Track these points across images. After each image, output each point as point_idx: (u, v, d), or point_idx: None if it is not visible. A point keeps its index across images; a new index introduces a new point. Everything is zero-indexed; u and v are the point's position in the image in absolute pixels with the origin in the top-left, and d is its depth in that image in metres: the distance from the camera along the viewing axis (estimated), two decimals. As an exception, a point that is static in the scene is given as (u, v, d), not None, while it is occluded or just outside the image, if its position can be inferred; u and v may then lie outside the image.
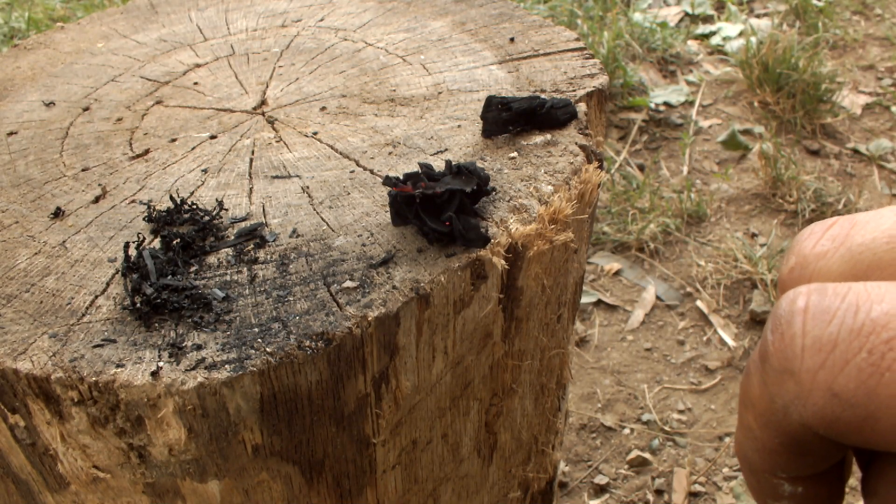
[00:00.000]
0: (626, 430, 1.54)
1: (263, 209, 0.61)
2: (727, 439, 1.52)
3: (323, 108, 0.75)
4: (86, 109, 0.78)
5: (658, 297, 1.84)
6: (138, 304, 0.50)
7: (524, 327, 0.63)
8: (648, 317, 1.80)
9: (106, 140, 0.73)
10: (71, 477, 0.53)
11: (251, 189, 0.64)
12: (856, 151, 2.23)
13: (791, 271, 0.29)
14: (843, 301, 0.24)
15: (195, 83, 0.82)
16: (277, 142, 0.70)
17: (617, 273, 1.91)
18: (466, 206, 0.55)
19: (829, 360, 0.24)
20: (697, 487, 1.43)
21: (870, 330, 0.23)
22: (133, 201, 0.63)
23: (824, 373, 0.24)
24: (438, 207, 0.54)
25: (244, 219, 0.60)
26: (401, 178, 0.56)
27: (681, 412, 1.58)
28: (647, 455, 1.48)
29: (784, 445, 0.27)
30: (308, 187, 0.63)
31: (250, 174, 0.66)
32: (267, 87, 0.80)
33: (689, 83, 2.53)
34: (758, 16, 2.88)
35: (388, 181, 0.56)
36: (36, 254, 0.58)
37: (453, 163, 0.57)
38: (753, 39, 2.49)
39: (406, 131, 0.70)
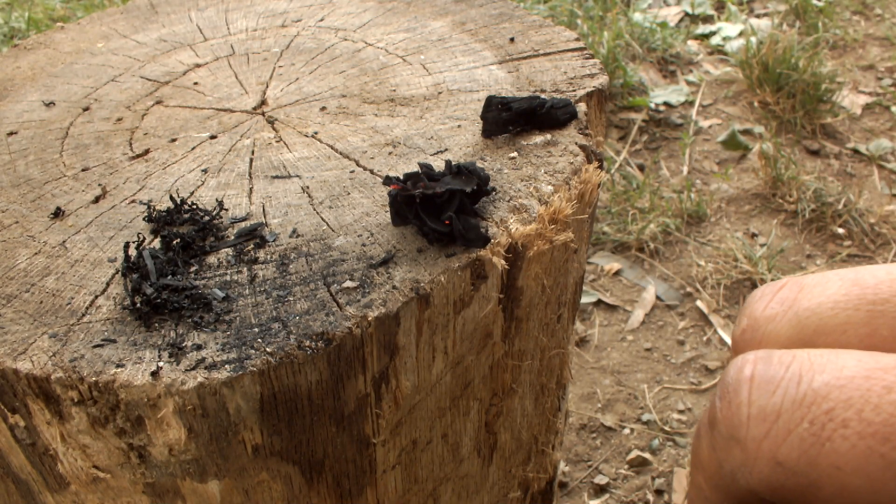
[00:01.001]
0: (626, 430, 1.54)
1: (263, 209, 0.61)
2: (727, 439, 1.52)
3: (323, 108, 0.75)
4: (86, 109, 0.78)
5: (658, 297, 1.84)
6: (138, 304, 0.50)
7: (524, 327, 0.63)
8: (648, 317, 1.80)
9: (106, 140, 0.73)
10: (71, 477, 0.53)
11: (251, 189, 0.64)
12: (856, 151, 2.23)
13: (743, 333, 0.30)
14: (787, 371, 0.25)
15: (195, 83, 0.82)
16: (277, 142, 0.70)
17: (617, 273, 1.91)
18: (466, 206, 0.55)
19: (773, 430, 0.25)
20: (697, 487, 1.43)
21: (811, 400, 0.24)
22: (133, 201, 0.63)
23: (769, 442, 0.25)
24: (438, 207, 0.54)
25: (244, 219, 0.60)
26: (401, 177, 0.56)
27: (681, 412, 1.58)
28: (647, 455, 1.49)
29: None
30: (308, 187, 0.63)
31: (250, 174, 0.66)
32: (267, 87, 0.80)
33: (689, 83, 2.53)
34: (758, 16, 2.88)
35: (388, 181, 0.56)
36: (36, 254, 0.58)
37: (453, 163, 0.57)
38: (753, 39, 2.49)
39: (406, 131, 0.70)
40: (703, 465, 0.28)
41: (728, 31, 2.75)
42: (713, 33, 2.76)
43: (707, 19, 2.89)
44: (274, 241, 0.57)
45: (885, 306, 0.27)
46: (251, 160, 0.68)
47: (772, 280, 1.77)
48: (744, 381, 0.26)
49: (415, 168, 0.61)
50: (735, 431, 0.26)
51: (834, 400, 0.24)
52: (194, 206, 0.60)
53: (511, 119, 0.66)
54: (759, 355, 0.26)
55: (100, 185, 0.66)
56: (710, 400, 0.28)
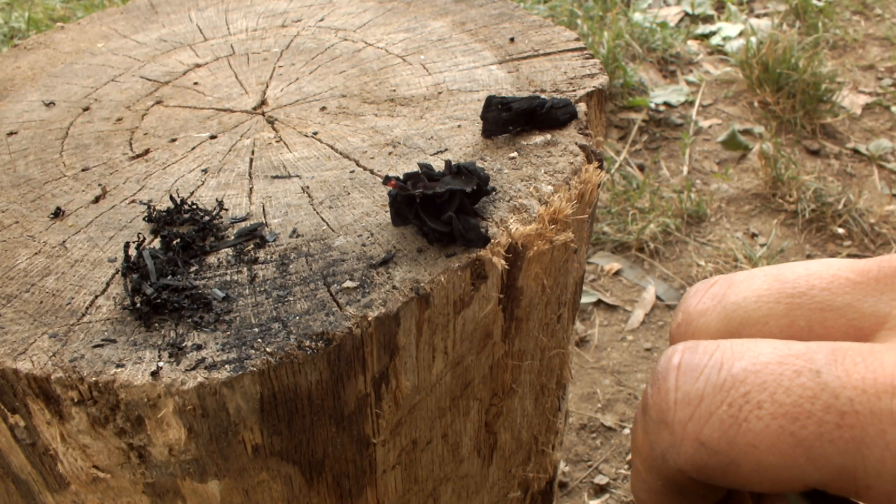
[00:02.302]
0: (626, 430, 1.54)
1: (263, 209, 0.61)
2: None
3: (323, 108, 0.75)
4: (86, 109, 0.78)
5: (658, 297, 1.84)
6: (138, 304, 0.50)
7: (524, 327, 0.63)
8: (648, 317, 1.80)
9: (106, 140, 0.73)
10: (71, 477, 0.53)
11: (251, 189, 0.64)
12: (856, 151, 2.23)
13: (678, 326, 0.33)
14: (710, 358, 0.27)
15: (195, 83, 0.82)
16: (277, 142, 0.70)
17: (617, 273, 1.91)
18: (466, 206, 0.55)
19: (696, 413, 0.27)
20: (697, 487, 1.43)
21: (730, 385, 0.26)
22: (133, 201, 0.63)
23: (692, 424, 0.27)
24: (438, 207, 0.54)
25: (244, 219, 0.60)
26: (400, 177, 0.56)
27: (681, 412, 1.58)
28: (647, 455, 1.48)
29: (666, 487, 0.30)
30: (308, 187, 0.63)
31: (250, 174, 0.66)
32: (267, 87, 0.80)
33: (689, 83, 2.53)
34: (758, 16, 2.88)
35: (387, 180, 0.56)
36: (36, 254, 0.58)
37: (453, 163, 0.57)
38: (753, 39, 2.49)
39: (406, 131, 0.70)
40: (638, 449, 0.31)
41: (728, 31, 2.75)
42: (713, 33, 2.76)
43: (707, 19, 2.89)
44: (274, 241, 0.57)
45: (802, 299, 0.29)
46: (251, 160, 0.68)
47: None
48: (671, 368, 0.28)
49: (415, 168, 0.61)
50: (663, 415, 0.28)
51: (750, 384, 0.26)
52: (194, 206, 0.60)
53: (511, 119, 0.66)
54: (686, 345, 0.29)
55: (100, 185, 0.66)
56: (644, 389, 0.30)
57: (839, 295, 0.29)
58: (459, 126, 0.69)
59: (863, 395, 0.24)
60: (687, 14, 2.90)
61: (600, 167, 0.65)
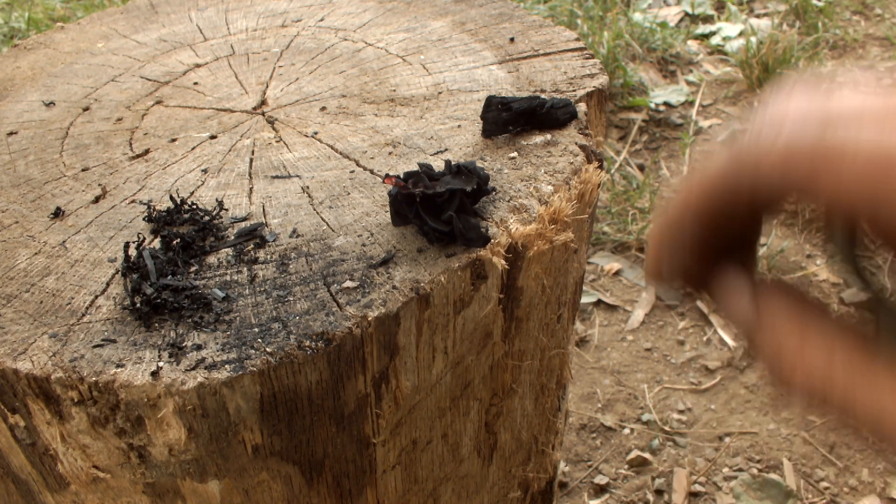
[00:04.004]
0: (626, 430, 1.54)
1: (263, 209, 0.61)
2: (727, 439, 1.52)
3: (323, 108, 0.75)
4: (86, 109, 0.78)
5: (658, 297, 1.84)
6: (138, 304, 0.50)
7: (524, 327, 0.63)
8: (648, 317, 1.80)
9: (106, 140, 0.73)
10: (71, 477, 0.53)
11: (251, 189, 0.64)
12: (856, 151, 2.23)
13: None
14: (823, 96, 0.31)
15: (195, 83, 0.82)
16: (277, 142, 0.70)
17: (617, 273, 1.91)
18: (466, 206, 0.55)
19: (806, 124, 0.30)
20: (697, 487, 1.43)
21: (833, 110, 0.30)
22: (133, 201, 0.63)
23: (800, 131, 0.30)
24: (438, 207, 0.54)
25: (244, 219, 0.60)
26: (401, 175, 0.56)
27: (681, 412, 1.58)
28: (647, 455, 1.49)
29: (710, 210, 0.34)
30: (308, 187, 0.63)
31: (250, 174, 0.66)
32: (267, 87, 0.80)
33: (689, 83, 2.53)
34: (758, 16, 2.88)
35: (387, 178, 0.56)
36: (36, 254, 0.58)
37: (453, 163, 0.57)
38: (753, 39, 2.49)
39: (406, 131, 0.70)
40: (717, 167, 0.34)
41: (728, 31, 2.75)
42: (713, 33, 2.76)
43: (707, 19, 2.89)
44: (274, 241, 0.57)
45: None
46: (251, 160, 0.68)
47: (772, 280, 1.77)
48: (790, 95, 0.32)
49: (415, 168, 0.61)
50: (777, 121, 0.31)
51: (857, 117, 0.29)
52: (194, 206, 0.60)
53: (511, 119, 0.66)
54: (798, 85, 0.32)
55: (100, 185, 0.66)
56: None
57: None
58: (459, 126, 0.69)
59: None
60: (687, 14, 2.90)
61: (600, 167, 0.65)
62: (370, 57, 0.84)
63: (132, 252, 0.55)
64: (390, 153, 0.67)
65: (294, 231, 0.58)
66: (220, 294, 0.52)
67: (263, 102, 0.78)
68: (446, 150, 0.66)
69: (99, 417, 0.48)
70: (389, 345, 0.51)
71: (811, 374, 0.31)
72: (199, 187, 0.65)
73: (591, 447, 1.52)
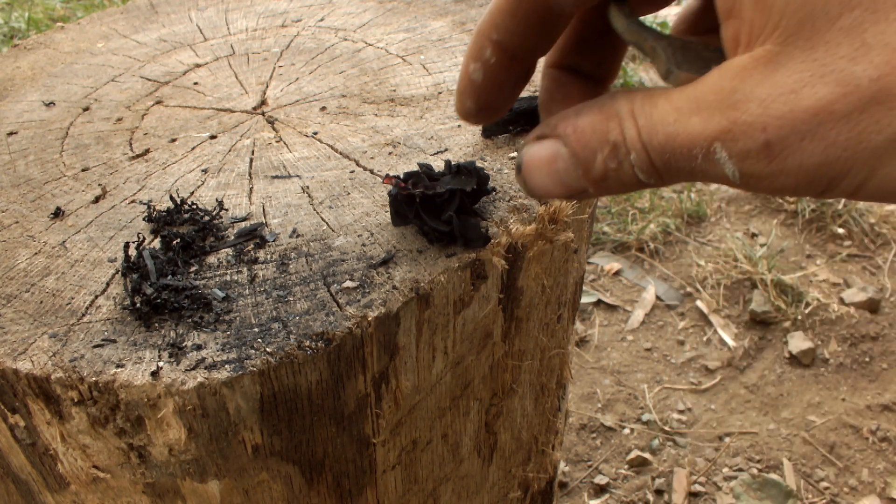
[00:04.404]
0: (626, 430, 1.55)
1: (263, 209, 0.61)
2: (727, 439, 1.52)
3: (323, 108, 0.75)
4: (86, 109, 0.79)
5: (658, 297, 1.84)
6: (138, 304, 0.50)
7: (524, 327, 0.63)
8: (648, 317, 1.80)
9: (106, 140, 0.73)
10: (71, 477, 0.53)
11: (251, 189, 0.64)
12: (856, 151, 2.23)
13: None
14: None
15: (195, 83, 0.82)
16: (277, 142, 0.70)
17: (617, 273, 1.91)
18: (466, 206, 0.55)
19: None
20: (697, 487, 1.44)
21: None
22: (133, 201, 0.63)
23: None
24: (438, 207, 0.54)
25: (244, 219, 0.60)
26: (400, 175, 0.56)
27: (681, 412, 1.58)
28: (647, 455, 1.49)
29: (509, 3, 0.36)
30: (308, 187, 0.63)
31: (250, 174, 0.66)
32: (267, 87, 0.80)
33: (689, 83, 2.52)
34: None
35: (387, 178, 0.56)
36: (36, 254, 0.58)
37: (453, 163, 0.57)
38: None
39: (406, 131, 0.70)
40: None
41: (728, 31, 2.75)
42: (713, 33, 2.76)
43: (707, 19, 2.89)
44: (274, 241, 0.57)
45: None
46: (251, 160, 0.68)
47: (772, 280, 1.77)
48: None
49: (415, 168, 0.61)
50: None
51: None
52: (194, 206, 0.60)
53: (511, 119, 0.66)
54: None
55: (100, 185, 0.66)
56: None
57: None
58: (459, 126, 0.69)
59: None
60: (687, 14, 2.90)
61: (600, 167, 0.65)
62: (370, 57, 0.84)
63: (132, 252, 0.55)
64: (390, 153, 0.67)
65: (294, 231, 0.58)
66: (220, 294, 0.52)
67: (263, 102, 0.78)
68: (446, 150, 0.66)
69: (99, 417, 0.48)
70: (389, 345, 0.51)
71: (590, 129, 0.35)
72: (199, 187, 0.65)
73: (591, 447, 1.52)
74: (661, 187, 0.44)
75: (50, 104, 0.80)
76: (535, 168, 0.39)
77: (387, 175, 0.56)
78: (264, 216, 0.60)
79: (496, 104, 0.41)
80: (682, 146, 0.32)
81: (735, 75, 0.31)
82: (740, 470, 1.46)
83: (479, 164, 0.63)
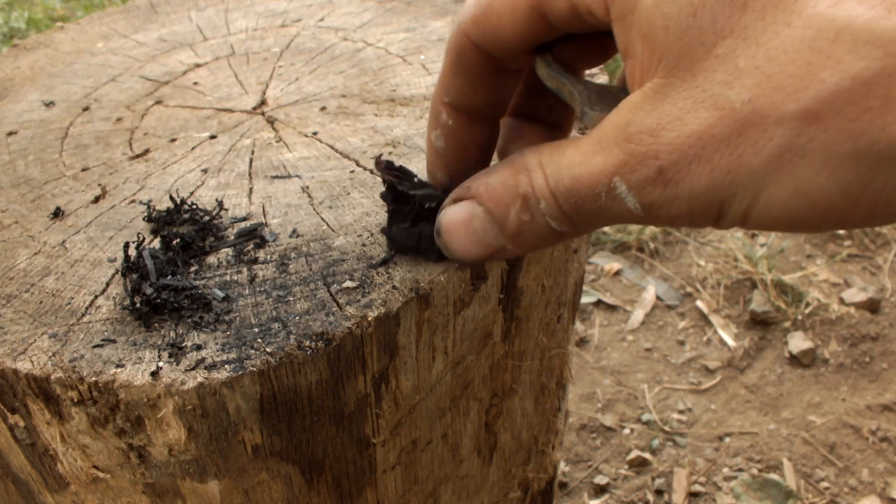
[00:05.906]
0: (626, 430, 1.54)
1: (263, 209, 0.61)
2: (727, 439, 1.52)
3: (323, 108, 0.75)
4: (86, 109, 0.79)
5: (658, 297, 1.84)
6: (138, 304, 0.50)
7: (524, 327, 0.63)
8: (648, 317, 1.80)
9: (106, 140, 0.73)
10: (71, 477, 0.53)
11: (251, 189, 0.64)
12: (856, 151, 2.23)
13: None
14: None
15: (195, 83, 0.82)
16: (277, 142, 0.70)
17: (617, 273, 1.91)
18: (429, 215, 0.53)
19: None
20: (697, 487, 1.44)
21: None
22: (133, 201, 0.63)
23: None
24: (432, 213, 0.53)
25: (244, 219, 0.60)
26: (394, 164, 0.54)
27: (681, 412, 1.58)
28: (647, 455, 1.49)
29: (455, 64, 0.38)
30: (308, 187, 0.63)
31: (250, 174, 0.66)
32: (267, 86, 0.80)
33: (689, 83, 2.52)
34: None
35: (378, 163, 0.53)
36: (36, 254, 0.58)
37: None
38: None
39: (406, 131, 0.70)
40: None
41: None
42: (713, 33, 2.76)
43: (707, 19, 2.88)
44: (274, 241, 0.57)
45: None
46: (251, 160, 0.68)
47: (772, 280, 1.77)
48: None
49: (414, 168, 0.60)
50: None
51: None
52: (194, 206, 0.60)
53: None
54: None
55: (100, 185, 0.66)
56: None
57: None
58: (459, 126, 0.69)
59: None
60: (687, 14, 2.90)
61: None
62: (370, 57, 0.84)
63: (132, 252, 0.55)
64: (390, 153, 0.67)
65: (294, 231, 0.58)
66: (220, 294, 0.52)
67: (263, 102, 0.78)
68: (446, 150, 0.66)
69: (99, 417, 0.48)
70: (389, 345, 0.51)
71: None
72: (198, 187, 0.65)
73: (591, 447, 1.52)
74: (576, 237, 0.46)
75: (50, 104, 0.80)
76: (453, 230, 0.40)
77: (379, 156, 0.55)
78: (264, 216, 0.60)
79: (468, 172, 0.41)
80: (587, 186, 0.33)
81: (629, 110, 0.32)
82: (740, 470, 1.46)
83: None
